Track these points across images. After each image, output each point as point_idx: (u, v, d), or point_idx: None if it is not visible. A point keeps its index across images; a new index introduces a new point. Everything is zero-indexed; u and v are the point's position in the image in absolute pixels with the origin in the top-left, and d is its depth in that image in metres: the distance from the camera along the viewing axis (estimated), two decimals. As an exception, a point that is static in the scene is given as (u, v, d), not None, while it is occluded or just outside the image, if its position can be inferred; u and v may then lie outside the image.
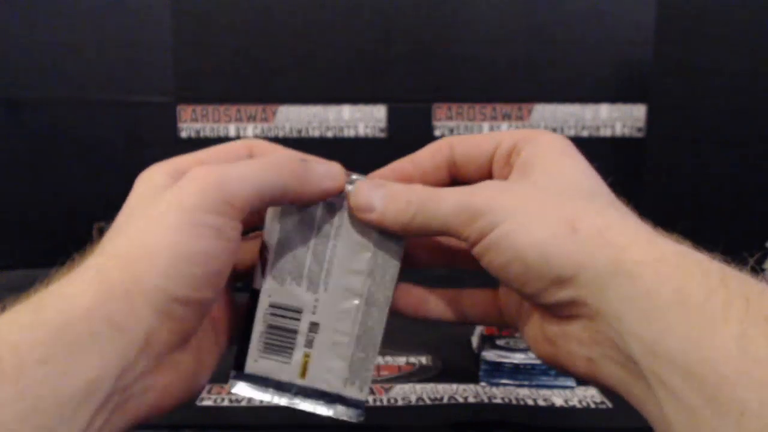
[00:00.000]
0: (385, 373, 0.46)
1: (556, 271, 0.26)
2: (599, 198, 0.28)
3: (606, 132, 0.84)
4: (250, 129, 0.85)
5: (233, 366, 0.31)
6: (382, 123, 0.83)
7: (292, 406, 0.31)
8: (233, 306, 0.32)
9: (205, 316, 0.29)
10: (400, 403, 0.42)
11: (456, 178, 0.34)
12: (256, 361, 0.31)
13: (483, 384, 0.44)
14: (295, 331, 0.31)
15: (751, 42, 0.78)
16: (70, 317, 0.24)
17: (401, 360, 0.49)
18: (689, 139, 0.80)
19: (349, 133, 0.84)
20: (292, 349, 0.31)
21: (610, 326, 0.25)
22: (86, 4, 0.81)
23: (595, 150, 0.82)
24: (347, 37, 0.82)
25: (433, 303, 0.34)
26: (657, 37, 0.79)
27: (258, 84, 0.84)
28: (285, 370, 0.31)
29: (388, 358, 0.49)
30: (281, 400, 0.31)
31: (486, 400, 0.42)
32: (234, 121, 0.85)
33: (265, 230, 0.31)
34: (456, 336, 0.53)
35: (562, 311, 0.28)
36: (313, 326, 0.31)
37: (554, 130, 0.84)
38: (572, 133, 0.84)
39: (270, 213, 0.31)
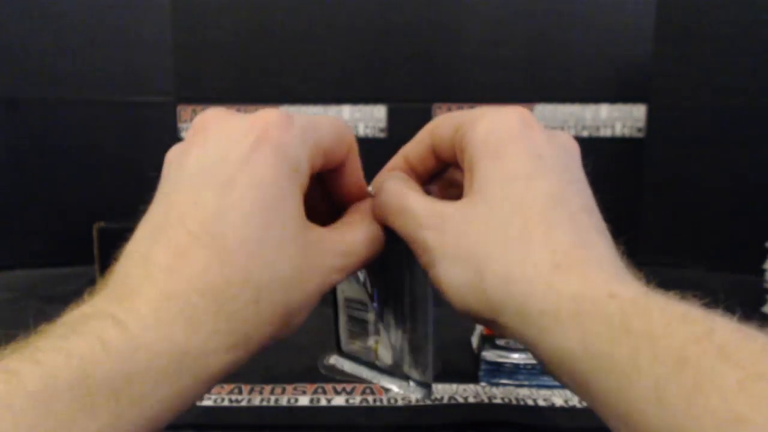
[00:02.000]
0: (385, 373, 0.46)
1: (478, 317, 0.28)
2: (517, 220, 0.27)
3: (606, 132, 0.84)
4: (250, 129, 0.85)
5: (335, 345, 0.38)
6: (382, 123, 0.83)
7: (376, 381, 0.37)
8: None
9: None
10: (400, 403, 0.42)
11: (442, 161, 0.34)
12: (347, 344, 0.38)
13: (483, 384, 0.44)
14: (365, 321, 0.36)
15: (751, 42, 0.78)
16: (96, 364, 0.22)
17: (401, 360, 0.49)
18: (689, 139, 0.80)
19: (349, 133, 0.84)
20: (366, 335, 0.36)
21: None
22: (86, 4, 0.81)
23: (595, 150, 0.82)
24: (347, 37, 0.82)
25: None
26: (657, 37, 0.79)
27: (258, 84, 0.84)
28: (365, 352, 0.37)
29: (388, 358, 0.49)
30: (369, 375, 0.37)
31: (486, 400, 0.42)
32: (234, 121, 0.85)
33: None
34: (456, 336, 0.53)
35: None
36: (377, 317, 0.36)
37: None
38: (572, 133, 0.83)
39: None
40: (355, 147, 0.31)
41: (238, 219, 0.25)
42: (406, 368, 0.34)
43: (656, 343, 0.22)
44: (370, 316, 0.35)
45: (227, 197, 0.25)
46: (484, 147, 0.29)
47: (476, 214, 0.28)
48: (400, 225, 0.30)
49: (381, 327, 0.35)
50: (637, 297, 0.24)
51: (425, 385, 0.35)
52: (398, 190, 0.31)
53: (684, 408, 0.20)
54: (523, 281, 0.26)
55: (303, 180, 0.27)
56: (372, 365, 0.36)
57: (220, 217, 0.25)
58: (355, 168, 0.32)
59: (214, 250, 0.25)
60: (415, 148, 0.34)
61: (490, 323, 0.28)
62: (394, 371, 0.35)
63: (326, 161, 0.29)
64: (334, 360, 0.36)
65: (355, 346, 0.36)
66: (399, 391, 0.34)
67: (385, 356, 0.35)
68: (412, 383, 0.35)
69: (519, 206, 0.27)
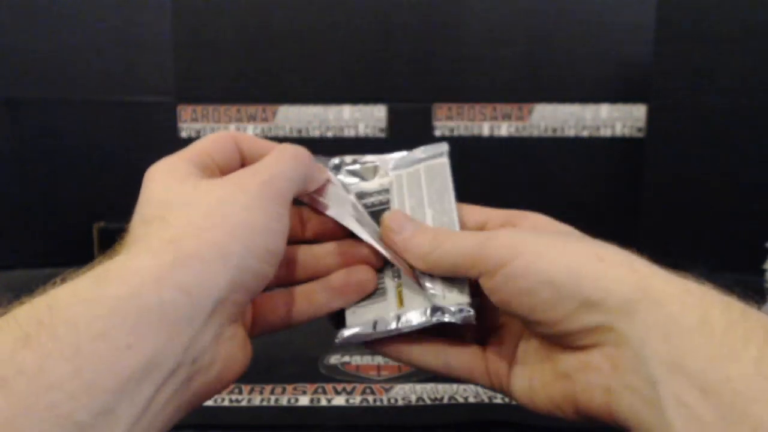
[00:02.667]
0: (385, 373, 0.46)
1: (585, 294, 0.27)
2: (613, 246, 0.29)
3: (606, 132, 0.84)
4: (250, 129, 0.85)
5: (335, 326, 0.34)
6: (382, 123, 0.83)
7: (401, 329, 0.32)
8: None
9: (259, 291, 0.30)
10: (400, 403, 0.42)
11: None
12: (354, 313, 0.34)
13: (483, 384, 0.44)
14: (380, 270, 0.34)
15: (751, 42, 0.78)
16: (137, 288, 0.24)
17: (401, 360, 0.49)
18: (689, 139, 0.80)
19: (349, 133, 0.84)
20: (384, 289, 0.34)
21: (634, 351, 0.25)
22: (86, 4, 0.81)
23: (595, 150, 0.82)
24: (347, 37, 0.82)
25: (417, 350, 0.34)
26: (657, 37, 0.79)
27: (258, 84, 0.84)
28: (383, 307, 0.33)
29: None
30: (389, 327, 0.33)
31: (486, 400, 0.42)
32: (234, 121, 0.85)
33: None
34: (455, 335, 0.53)
35: (585, 339, 0.28)
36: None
37: (554, 130, 0.84)
38: (572, 133, 0.84)
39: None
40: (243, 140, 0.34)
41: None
42: (437, 299, 0.32)
43: None
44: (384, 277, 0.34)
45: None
46: (545, 221, 0.34)
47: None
48: (461, 237, 0.31)
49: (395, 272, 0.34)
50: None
51: (462, 309, 0.32)
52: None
53: None
54: (645, 269, 0.27)
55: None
56: (390, 318, 0.33)
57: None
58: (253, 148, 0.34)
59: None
60: None
61: (583, 308, 0.27)
62: (423, 308, 0.33)
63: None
64: (346, 333, 0.33)
65: (366, 308, 0.34)
66: (440, 320, 0.32)
67: (413, 298, 0.33)
68: (446, 314, 0.32)
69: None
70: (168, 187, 0.30)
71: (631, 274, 0.26)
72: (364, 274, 0.34)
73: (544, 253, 0.28)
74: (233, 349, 0.28)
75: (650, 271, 0.27)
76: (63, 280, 0.25)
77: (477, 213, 0.35)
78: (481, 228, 0.35)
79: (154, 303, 0.23)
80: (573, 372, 0.29)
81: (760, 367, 0.22)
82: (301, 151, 0.33)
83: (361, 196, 0.38)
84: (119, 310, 0.23)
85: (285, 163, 0.32)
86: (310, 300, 0.34)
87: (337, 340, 0.34)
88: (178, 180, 0.30)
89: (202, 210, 0.28)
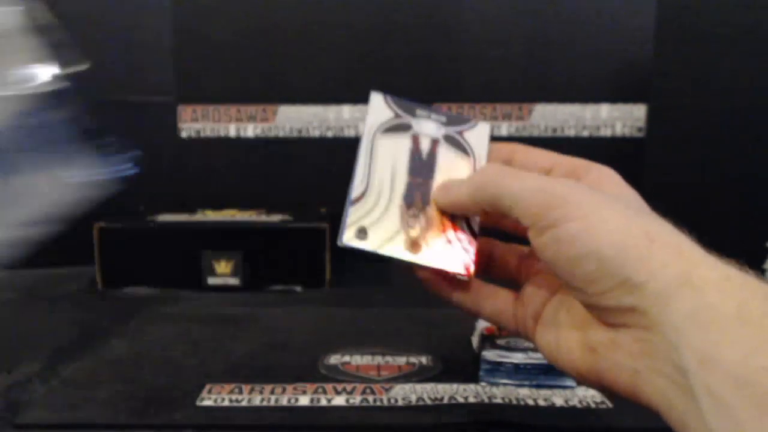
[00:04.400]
0: (385, 373, 0.46)
1: (627, 274, 0.26)
2: (666, 223, 0.29)
3: (606, 132, 0.84)
4: (250, 129, 0.85)
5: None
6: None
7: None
8: None
9: None
10: (400, 403, 0.42)
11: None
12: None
13: (483, 384, 0.44)
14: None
15: (751, 42, 0.78)
16: None
17: (401, 360, 0.49)
18: (689, 139, 0.80)
19: (350, 132, 0.84)
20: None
21: (665, 337, 0.25)
22: (87, 4, 0.81)
23: (595, 150, 0.82)
24: (347, 37, 0.82)
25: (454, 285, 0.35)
26: (657, 37, 0.79)
27: (258, 84, 0.84)
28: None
29: (389, 358, 0.49)
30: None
31: (486, 400, 0.42)
32: (234, 121, 0.85)
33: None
34: (456, 336, 0.53)
35: (617, 317, 0.28)
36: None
37: (554, 130, 0.84)
38: (572, 133, 0.84)
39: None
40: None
41: None
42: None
43: None
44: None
45: None
46: (611, 176, 0.33)
47: (624, 201, 0.30)
48: (521, 177, 0.30)
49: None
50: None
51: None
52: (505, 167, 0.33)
53: None
54: (692, 254, 0.26)
55: None
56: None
57: None
58: None
59: None
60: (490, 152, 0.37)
61: (622, 287, 0.27)
62: None
63: None
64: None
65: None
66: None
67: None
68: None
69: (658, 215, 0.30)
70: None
71: (677, 259, 0.26)
72: None
73: (595, 224, 0.27)
74: None
75: (697, 257, 0.26)
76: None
77: (544, 158, 0.34)
78: (551, 169, 0.34)
79: None
80: (601, 348, 0.29)
81: None
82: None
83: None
84: None
85: None
86: None
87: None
88: None
89: None
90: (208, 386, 0.44)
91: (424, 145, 0.37)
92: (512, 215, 0.30)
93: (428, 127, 0.38)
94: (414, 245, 0.34)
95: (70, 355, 0.50)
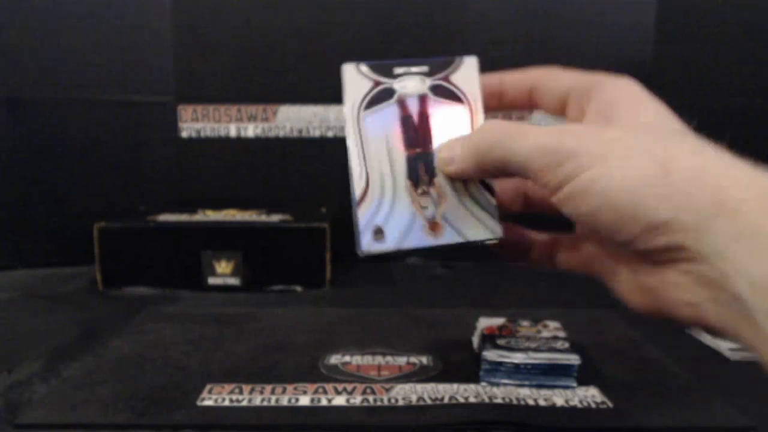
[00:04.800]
0: (385, 373, 0.46)
1: (649, 216, 0.25)
2: (689, 137, 0.28)
3: (606, 132, 0.84)
4: (250, 129, 0.85)
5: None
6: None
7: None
8: None
9: None
10: (400, 403, 0.42)
11: (534, 106, 0.34)
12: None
13: (483, 384, 0.44)
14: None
15: (752, 42, 0.78)
16: None
17: (402, 360, 0.49)
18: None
19: (350, 133, 0.84)
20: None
21: (713, 267, 0.25)
22: (86, 4, 0.81)
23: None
24: (347, 37, 0.82)
25: (532, 240, 0.35)
26: (657, 37, 0.79)
27: (258, 84, 0.84)
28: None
29: (389, 358, 0.49)
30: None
31: (486, 400, 0.42)
32: (234, 121, 0.85)
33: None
34: (456, 336, 0.53)
35: (658, 257, 0.27)
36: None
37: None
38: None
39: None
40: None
41: None
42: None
43: None
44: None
45: None
46: (628, 91, 0.30)
47: (640, 125, 0.29)
48: (527, 134, 0.29)
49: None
50: None
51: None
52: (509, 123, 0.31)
53: None
54: (720, 175, 0.25)
55: None
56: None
57: None
58: None
59: None
60: (516, 79, 0.35)
61: (648, 230, 0.26)
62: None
63: None
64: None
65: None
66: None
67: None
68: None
69: (683, 126, 0.29)
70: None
71: (702, 187, 0.24)
72: None
73: (605, 172, 0.26)
74: None
75: (726, 178, 0.24)
76: None
77: (561, 80, 0.33)
78: (563, 98, 0.33)
79: None
80: (653, 288, 0.28)
81: None
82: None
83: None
84: None
85: None
86: None
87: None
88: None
89: None
90: (208, 386, 0.44)
91: (413, 107, 0.34)
92: (524, 176, 0.29)
93: (411, 84, 0.36)
94: (434, 226, 0.32)
95: (70, 355, 0.50)
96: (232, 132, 0.85)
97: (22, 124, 0.82)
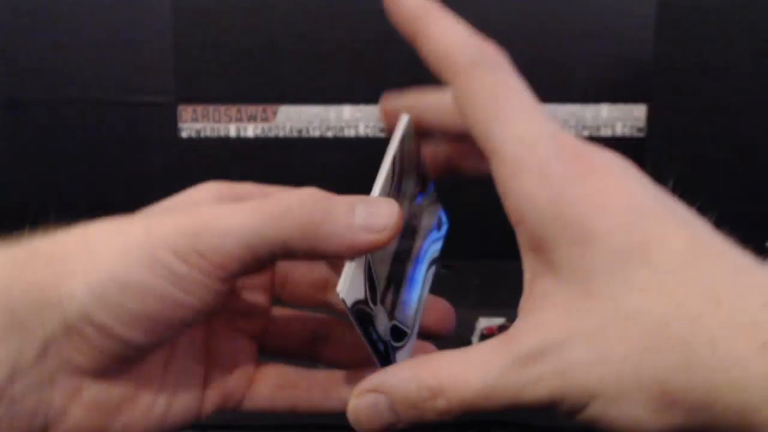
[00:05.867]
0: (385, 373, 0.46)
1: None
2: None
3: (606, 132, 0.84)
4: (250, 129, 0.85)
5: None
6: (383, 123, 0.83)
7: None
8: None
9: (140, 359, 0.25)
10: (400, 403, 0.42)
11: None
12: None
13: (483, 384, 0.44)
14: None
15: (752, 42, 0.78)
16: None
17: (401, 360, 0.49)
18: (690, 139, 0.80)
19: (350, 133, 0.84)
20: None
21: None
22: (86, 4, 0.81)
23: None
24: (347, 37, 0.82)
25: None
26: (657, 37, 0.79)
27: (258, 84, 0.84)
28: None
29: (389, 358, 0.49)
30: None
31: (486, 400, 0.42)
32: (234, 121, 0.85)
33: None
34: (456, 336, 0.53)
35: None
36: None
37: (554, 130, 0.84)
38: (572, 133, 0.83)
39: None
40: None
41: None
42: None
43: None
44: None
45: None
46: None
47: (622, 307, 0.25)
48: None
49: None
50: None
51: None
52: None
53: None
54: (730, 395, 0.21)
55: None
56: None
57: None
58: None
59: None
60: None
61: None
62: None
63: None
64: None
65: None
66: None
67: None
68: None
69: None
70: (174, 200, 0.32)
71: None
72: None
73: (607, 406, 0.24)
74: (94, 414, 0.24)
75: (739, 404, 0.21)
76: None
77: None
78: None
79: None
80: None
81: None
82: (304, 200, 0.24)
83: None
84: None
85: (243, 213, 0.24)
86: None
87: None
88: (183, 198, 0.31)
89: (90, 237, 0.27)
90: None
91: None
92: None
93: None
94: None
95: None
96: (232, 132, 0.85)
97: (21, 124, 0.82)
